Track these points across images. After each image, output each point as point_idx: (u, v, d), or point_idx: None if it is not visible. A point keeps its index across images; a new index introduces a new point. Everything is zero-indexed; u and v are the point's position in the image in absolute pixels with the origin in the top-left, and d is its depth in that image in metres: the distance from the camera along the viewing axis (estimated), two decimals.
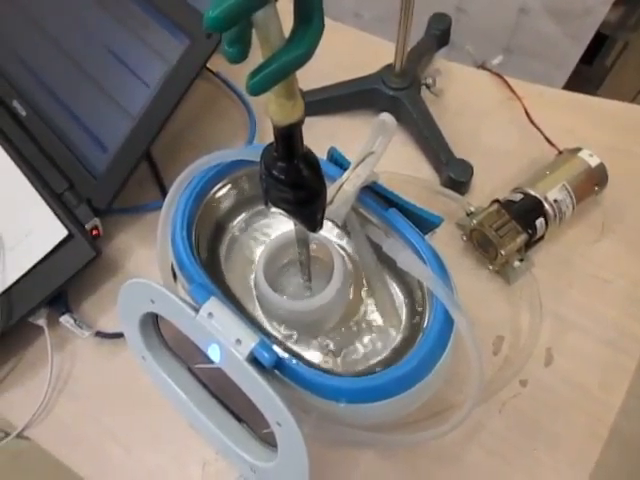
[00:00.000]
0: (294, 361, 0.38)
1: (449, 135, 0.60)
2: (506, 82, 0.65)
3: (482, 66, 0.68)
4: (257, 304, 0.47)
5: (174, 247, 0.43)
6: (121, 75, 0.56)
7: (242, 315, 0.40)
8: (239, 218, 0.50)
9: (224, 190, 0.48)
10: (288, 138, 0.29)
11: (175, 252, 0.42)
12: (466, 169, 0.57)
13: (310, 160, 0.31)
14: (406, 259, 0.40)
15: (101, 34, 0.57)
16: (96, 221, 0.57)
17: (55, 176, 0.59)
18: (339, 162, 0.44)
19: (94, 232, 0.57)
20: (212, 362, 0.39)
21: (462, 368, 0.47)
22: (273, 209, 0.34)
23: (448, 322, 0.39)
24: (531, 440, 0.48)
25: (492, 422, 0.48)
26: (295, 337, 0.45)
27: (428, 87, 0.61)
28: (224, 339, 0.37)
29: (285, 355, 0.38)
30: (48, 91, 0.60)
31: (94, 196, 0.57)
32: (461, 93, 0.66)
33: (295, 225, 0.40)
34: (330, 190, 0.40)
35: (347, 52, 0.70)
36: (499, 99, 0.65)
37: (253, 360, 0.37)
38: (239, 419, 0.45)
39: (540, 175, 0.54)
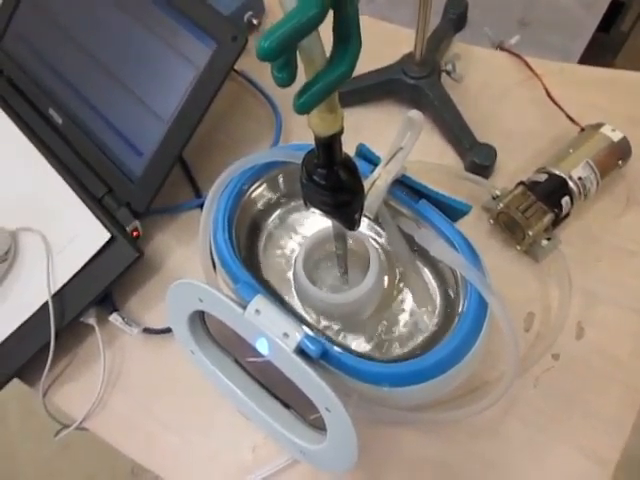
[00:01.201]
0: (339, 350, 0.41)
1: (471, 119, 0.61)
2: (525, 62, 0.66)
3: (500, 46, 0.68)
4: (295, 297, 0.49)
5: (217, 248, 0.45)
6: (152, 81, 0.58)
7: (285, 308, 0.42)
8: (274, 215, 0.52)
9: (260, 190, 0.50)
10: (329, 147, 0.31)
11: (218, 253, 0.45)
12: (489, 153, 0.58)
13: (349, 165, 0.33)
14: (439, 248, 0.42)
15: (131, 42, 0.59)
16: (136, 223, 0.59)
17: (94, 181, 0.61)
18: (368, 157, 0.46)
19: (135, 233, 0.60)
20: (261, 355, 0.42)
21: (495, 346, 0.49)
22: (313, 209, 0.37)
23: (482, 306, 0.41)
24: (566, 410, 0.49)
25: (527, 396, 0.50)
26: (334, 327, 0.48)
27: (448, 73, 0.62)
28: (272, 333, 0.40)
29: (329, 345, 0.40)
30: (83, 99, 0.63)
31: (133, 199, 0.60)
32: (480, 76, 0.67)
33: (333, 223, 0.42)
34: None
35: (364, 42, 0.70)
36: (519, 79, 0.66)
37: (300, 352, 0.40)
38: (286, 405, 0.48)
39: (563, 153, 0.55)
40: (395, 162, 0.42)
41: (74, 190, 0.61)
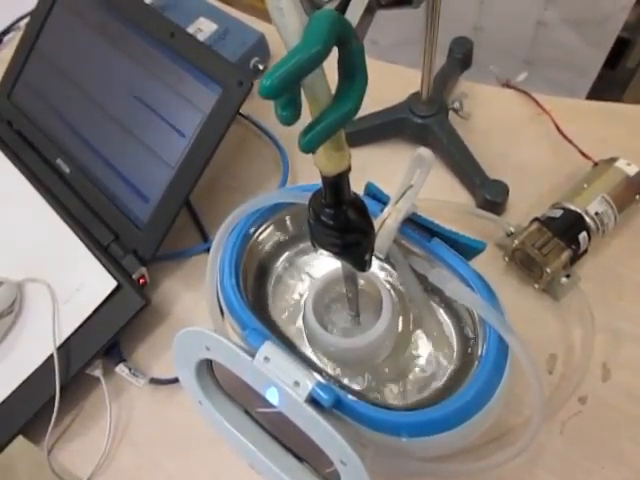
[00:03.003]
0: (352, 398, 0.38)
1: (480, 157, 0.61)
2: (533, 98, 0.65)
3: (507, 84, 0.68)
4: (307, 342, 0.47)
5: (224, 294, 0.44)
6: (158, 127, 0.58)
7: (297, 356, 0.40)
8: (282, 257, 0.51)
9: (267, 232, 0.49)
10: (336, 186, 0.29)
11: (225, 299, 0.43)
12: (501, 189, 0.57)
13: (358, 205, 0.32)
14: (454, 288, 0.40)
15: (137, 89, 0.59)
16: (142, 270, 0.58)
17: (101, 229, 0.61)
18: (377, 196, 0.45)
19: (141, 281, 0.59)
20: (271, 405, 0.40)
21: (518, 389, 0.47)
22: (321, 251, 0.35)
23: (503, 347, 0.39)
24: (597, 459, 0.47)
25: (554, 443, 0.48)
26: (347, 373, 0.46)
27: (456, 111, 0.62)
28: (282, 382, 0.38)
29: (342, 393, 0.38)
30: (89, 147, 0.63)
31: (139, 246, 0.59)
32: (488, 113, 0.66)
33: (342, 264, 0.41)
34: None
35: (370, 83, 0.71)
36: (527, 116, 0.65)
37: (312, 401, 0.38)
38: (300, 459, 0.45)
39: (578, 189, 0.54)
40: (405, 200, 0.41)
41: (80, 238, 0.60)
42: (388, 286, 0.46)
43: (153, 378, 0.56)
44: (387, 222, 0.41)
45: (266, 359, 0.39)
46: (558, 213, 0.53)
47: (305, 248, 0.51)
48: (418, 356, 0.46)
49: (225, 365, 0.42)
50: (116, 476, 0.53)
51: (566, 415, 0.49)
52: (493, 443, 0.47)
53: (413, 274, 0.45)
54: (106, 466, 0.54)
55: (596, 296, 0.53)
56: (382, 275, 0.49)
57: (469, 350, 0.43)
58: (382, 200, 0.45)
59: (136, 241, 0.59)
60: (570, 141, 0.61)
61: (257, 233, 0.48)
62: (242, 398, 0.48)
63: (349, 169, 0.29)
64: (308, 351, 0.48)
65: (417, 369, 0.45)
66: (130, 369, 0.55)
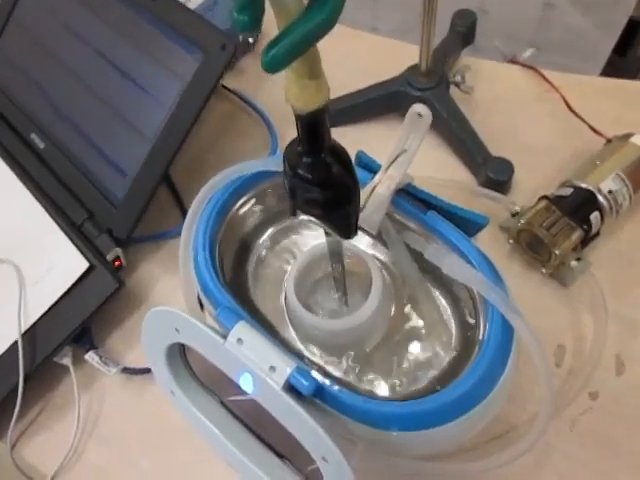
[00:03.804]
0: (336, 387, 0.34)
1: (483, 134, 0.57)
2: (541, 74, 0.61)
3: (512, 60, 0.64)
4: (289, 326, 0.43)
5: (197, 270, 0.39)
6: (136, 97, 0.54)
7: (275, 339, 0.36)
8: (265, 235, 0.46)
9: (248, 205, 0.44)
10: (313, 128, 0.25)
11: (198, 275, 0.39)
12: (506, 167, 0.53)
13: (339, 153, 0.27)
14: (452, 264, 0.36)
15: (115, 57, 0.56)
16: (118, 251, 0.54)
17: (74, 207, 0.57)
18: (369, 166, 0.41)
19: (116, 263, 0.54)
20: (245, 393, 0.36)
21: (523, 381, 0.43)
22: (302, 216, 0.31)
23: (507, 331, 0.34)
24: (610, 460, 0.42)
25: (563, 442, 0.43)
26: (334, 360, 0.41)
27: (457, 85, 0.57)
28: (256, 367, 0.33)
29: (325, 381, 0.34)
30: (65, 121, 0.59)
31: (115, 225, 0.55)
32: (493, 89, 0.62)
33: (327, 236, 0.36)
34: (361, 195, 0.36)
35: (368, 58, 0.67)
36: (535, 92, 0.61)
37: (290, 389, 0.33)
38: (280, 455, 0.41)
39: (589, 166, 0.50)
40: (398, 166, 0.37)
41: (52, 217, 0.56)
42: (379, 264, 0.42)
43: (126, 367, 0.51)
44: (378, 190, 0.36)
45: (239, 341, 0.34)
46: (568, 191, 0.48)
47: (290, 226, 0.47)
48: (412, 343, 0.41)
49: (195, 348, 0.38)
50: (84, 473, 0.49)
51: (576, 412, 0.44)
52: (495, 441, 0.43)
53: (407, 252, 0.40)
54: (73, 462, 0.49)
55: (609, 283, 0.48)
56: (373, 254, 0.44)
57: (469, 336, 0.38)
58: (374, 170, 0.40)
59: (111, 220, 0.55)
60: (580, 117, 0.56)
61: (237, 206, 0.43)
62: (218, 388, 0.43)
63: (327, 106, 0.24)
64: (293, 338, 0.43)
65: (411, 357, 0.41)
66: (101, 357, 0.51)
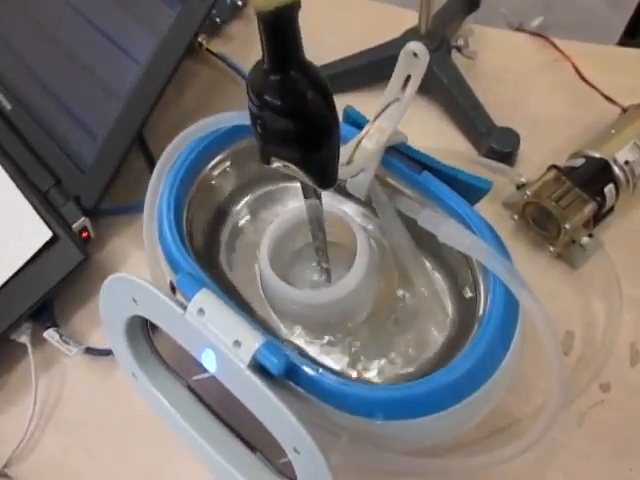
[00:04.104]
0: (312, 367, 0.29)
1: (488, 104, 0.52)
2: (551, 42, 0.56)
3: (520, 29, 0.59)
4: (267, 303, 0.38)
5: (160, 233, 0.35)
6: (109, 53, 0.49)
7: (244, 312, 0.31)
8: (242, 203, 0.42)
9: (223, 166, 0.40)
10: (279, 34, 0.20)
11: (161, 239, 0.34)
12: (511, 138, 0.48)
13: (314, 76, 0.22)
14: (450, 230, 0.31)
15: (85, 9, 0.51)
16: (85, 221, 0.49)
17: (41, 173, 0.52)
18: (357, 123, 0.36)
19: (84, 234, 0.50)
20: (207, 372, 0.31)
21: (528, 370, 0.39)
22: (274, 164, 0.26)
23: (511, 306, 0.30)
24: (623, 458, 0.38)
25: (571, 438, 0.39)
26: (315, 340, 0.37)
27: (459, 50, 0.53)
28: (219, 341, 0.29)
29: (298, 359, 0.29)
30: (33, 79, 0.54)
31: (83, 192, 0.50)
32: (498, 57, 0.57)
33: (305, 197, 0.32)
34: (346, 149, 0.32)
35: (365, 25, 0.62)
36: (544, 61, 0.56)
37: (257, 367, 0.28)
38: (252, 447, 0.36)
39: (604, 136, 0.45)
40: (389, 117, 0.32)
41: (16, 183, 0.51)
42: (366, 233, 0.37)
43: (90, 348, 0.47)
44: (365, 145, 0.32)
45: (201, 312, 0.30)
46: (579, 162, 0.44)
47: (271, 193, 0.42)
48: (403, 321, 0.36)
49: (154, 321, 0.33)
50: (39, 463, 0.44)
51: (585, 405, 0.40)
52: (495, 436, 0.38)
53: (399, 220, 0.36)
54: (28, 450, 0.45)
55: (623, 265, 0.43)
56: (361, 223, 0.39)
57: (467, 313, 0.33)
58: (363, 126, 0.35)
59: (79, 187, 0.50)
60: (593, 86, 0.52)
61: (209, 166, 0.39)
62: (186, 371, 0.39)
63: (298, 4, 0.20)
64: (269, 314, 0.39)
65: (402, 337, 0.36)
66: (61, 335, 0.46)
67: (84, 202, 0.50)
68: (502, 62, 0.57)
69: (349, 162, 0.31)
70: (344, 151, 0.31)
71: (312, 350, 0.37)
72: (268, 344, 0.28)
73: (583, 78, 0.53)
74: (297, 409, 0.28)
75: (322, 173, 0.25)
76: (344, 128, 0.36)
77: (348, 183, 0.35)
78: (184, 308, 0.30)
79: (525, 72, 0.56)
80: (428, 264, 0.37)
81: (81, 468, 0.43)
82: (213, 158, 0.38)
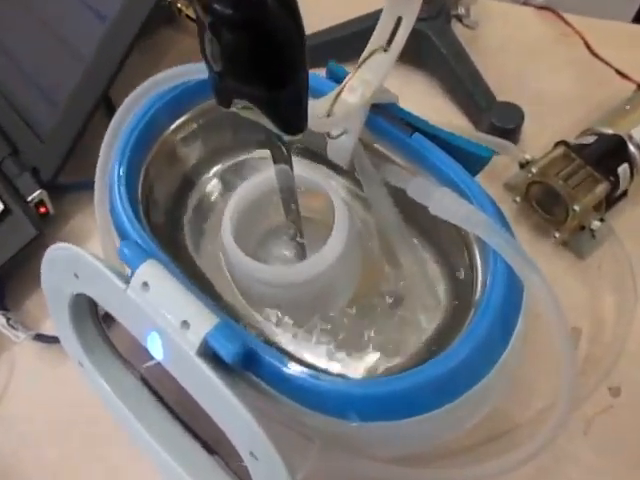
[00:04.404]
0: (276, 357, 0.25)
1: (490, 80, 0.47)
2: (560, 16, 0.52)
3: (526, 3, 0.55)
4: (233, 285, 0.33)
5: (110, 198, 0.30)
6: (72, 9, 0.45)
7: (201, 291, 0.27)
8: (213, 172, 0.37)
9: (189, 129, 0.35)
10: None
11: (110, 198, 0.30)
12: (514, 113, 0.44)
13: None
14: (443, 199, 0.26)
15: None
16: (42, 194, 0.45)
17: None
18: (341, 80, 0.31)
19: (41, 209, 0.45)
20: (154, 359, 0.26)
21: (529, 371, 0.34)
22: (234, 106, 0.22)
23: (514, 289, 0.25)
24: (633, 470, 0.34)
25: (576, 447, 0.34)
26: (288, 327, 0.32)
27: (460, 19, 0.48)
28: (165, 322, 0.24)
29: (262, 347, 0.25)
30: None
31: (41, 163, 0.45)
32: (502, 31, 0.53)
33: (274, 161, 0.27)
34: (325, 100, 0.27)
35: None
36: (551, 36, 0.52)
37: (209, 354, 0.24)
38: (210, 450, 0.32)
39: (618, 112, 0.41)
40: (375, 68, 0.27)
41: None
42: (345, 203, 0.32)
43: (40, 334, 0.42)
44: (347, 99, 0.27)
45: (145, 286, 0.25)
46: (591, 139, 0.39)
47: (245, 162, 0.37)
48: (390, 306, 0.32)
49: (94, 298, 0.28)
50: None
51: (592, 410, 0.35)
52: (491, 444, 0.34)
53: (386, 191, 0.31)
54: None
55: (636, 255, 0.39)
56: (343, 197, 0.35)
57: (461, 297, 0.29)
58: None
59: (37, 157, 0.45)
60: (605, 62, 0.47)
61: (173, 126, 0.34)
62: (139, 360, 0.34)
63: None
64: (238, 301, 0.34)
65: (388, 325, 0.31)
66: (9, 320, 0.41)
67: (43, 174, 0.45)
68: (506, 36, 0.52)
69: (328, 115, 0.26)
70: (322, 103, 0.27)
71: (284, 339, 0.32)
72: (222, 326, 0.23)
73: (594, 53, 0.48)
74: (259, 406, 0.23)
75: (288, 113, 0.20)
76: (326, 84, 0.31)
77: (329, 148, 0.31)
78: (127, 283, 0.26)
79: (531, 47, 0.52)
80: (418, 243, 0.32)
81: (24, 470, 0.38)
82: (177, 117, 0.34)
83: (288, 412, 0.26)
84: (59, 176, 0.45)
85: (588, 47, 0.49)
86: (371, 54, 0.27)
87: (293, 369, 0.24)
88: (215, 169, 0.37)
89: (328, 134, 0.29)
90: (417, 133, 0.29)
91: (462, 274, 0.29)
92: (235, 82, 0.20)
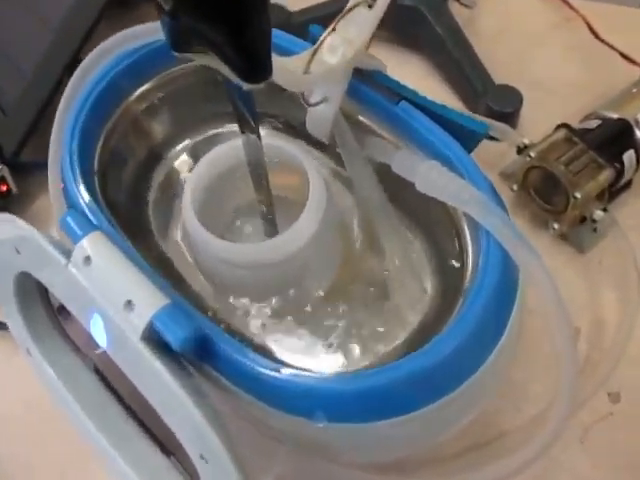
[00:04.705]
0: (234, 346, 0.21)
1: (487, 64, 0.45)
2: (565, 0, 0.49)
3: None
4: (199, 270, 0.30)
5: (62, 166, 0.27)
6: None
7: (164, 277, 0.24)
8: (182, 145, 0.33)
9: (153, 97, 0.31)
10: None
11: (62, 170, 0.27)
12: (512, 97, 0.41)
13: None
14: (430, 173, 0.23)
15: None
16: (3, 170, 0.41)
17: None
18: None
19: (2, 187, 0.42)
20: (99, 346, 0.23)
21: (518, 373, 0.31)
22: (189, 52, 0.18)
23: (508, 277, 0.22)
24: None
25: (571, 457, 0.31)
26: (257, 317, 0.29)
27: None
28: (107, 301, 0.21)
29: (219, 334, 0.21)
30: None
31: (3, 137, 0.42)
32: (502, 13, 0.50)
33: (241, 130, 0.24)
34: (300, 57, 0.24)
35: None
36: (553, 21, 0.49)
37: (156, 340, 0.21)
38: (167, 451, 0.28)
39: (624, 96, 0.38)
40: (358, 25, 0.24)
41: None
42: (321, 176, 0.28)
43: None
44: (325, 56, 0.24)
45: (87, 261, 0.22)
46: (594, 123, 0.36)
47: (217, 137, 0.34)
48: (371, 296, 0.29)
49: (35, 275, 0.25)
50: None
51: (590, 418, 0.32)
52: (478, 451, 0.30)
53: (370, 168, 0.28)
54: None
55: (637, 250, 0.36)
56: (325, 175, 0.31)
57: (450, 284, 0.26)
58: None
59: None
60: (610, 45, 0.44)
61: (137, 93, 0.31)
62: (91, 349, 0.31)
63: None
64: (205, 290, 0.30)
65: (368, 317, 0.28)
66: None
67: (5, 149, 0.42)
68: (505, 18, 0.50)
69: (305, 72, 0.23)
70: (298, 58, 0.24)
71: (253, 330, 0.29)
72: (171, 308, 0.20)
73: (598, 37, 0.46)
74: (216, 402, 0.20)
75: (249, 58, 0.17)
76: (305, 46, 0.28)
77: (308, 119, 0.28)
78: (69, 258, 0.22)
79: (531, 30, 0.49)
80: (403, 226, 0.29)
81: None
82: (140, 84, 0.30)
83: (250, 411, 0.23)
84: (22, 152, 0.42)
85: (592, 31, 0.46)
86: (353, 7, 0.24)
87: (252, 360, 0.21)
88: (184, 143, 0.33)
89: (306, 101, 0.26)
90: (404, 101, 0.26)
91: (451, 260, 0.26)
92: (188, 20, 0.17)
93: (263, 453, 0.28)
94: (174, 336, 0.20)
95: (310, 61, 0.23)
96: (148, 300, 0.20)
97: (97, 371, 0.31)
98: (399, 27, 0.46)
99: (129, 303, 0.20)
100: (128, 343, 0.21)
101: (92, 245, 0.22)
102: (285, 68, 0.20)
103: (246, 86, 0.18)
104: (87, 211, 0.24)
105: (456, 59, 0.44)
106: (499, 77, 0.44)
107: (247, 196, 0.29)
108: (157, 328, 0.20)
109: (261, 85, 0.18)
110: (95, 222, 0.24)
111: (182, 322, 0.20)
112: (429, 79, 0.46)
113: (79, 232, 0.22)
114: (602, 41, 0.45)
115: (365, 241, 0.30)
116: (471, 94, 0.43)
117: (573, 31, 0.48)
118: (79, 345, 0.31)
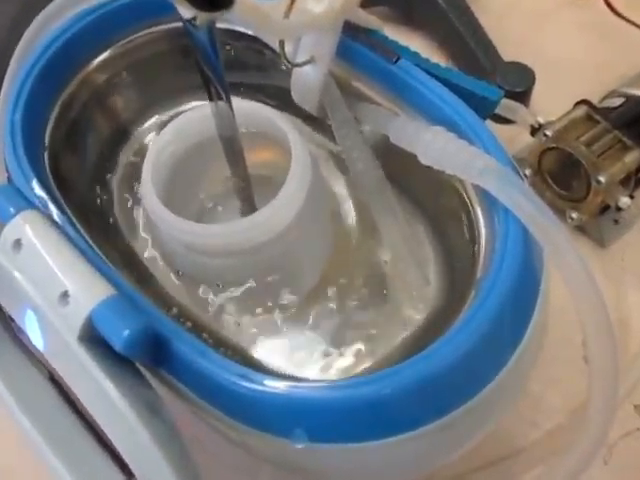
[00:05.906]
0: (196, 347, 0.18)
1: (495, 42, 0.41)
2: None
3: None
4: (162, 262, 0.26)
5: (4, 140, 0.23)
6: None
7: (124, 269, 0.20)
8: (151, 121, 0.30)
9: (118, 67, 0.27)
10: None
11: (5, 145, 0.23)
12: (523, 75, 0.37)
13: None
14: (436, 141, 0.19)
15: None
16: None
17: None
18: None
19: None
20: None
21: (535, 382, 0.28)
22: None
23: (531, 265, 0.18)
24: None
25: (595, 477, 0.27)
26: (230, 316, 0.25)
27: None
28: (39, 294, 0.17)
29: (177, 333, 0.18)
30: None
31: None
32: None
33: (209, 98, 0.20)
34: (275, 7, 0.20)
35: None
36: None
37: (96, 339, 0.17)
38: (128, 471, 0.24)
39: None
40: None
41: None
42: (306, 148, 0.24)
43: None
44: (308, 6, 0.20)
45: (17, 246, 0.18)
46: (618, 102, 0.33)
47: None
48: (367, 291, 0.25)
49: None
50: None
51: (615, 433, 0.28)
52: (488, 471, 0.27)
53: (363, 140, 0.24)
54: None
55: None
56: (319, 155, 0.28)
57: (459, 275, 0.22)
58: None
59: None
60: (630, 21, 0.41)
61: (96, 62, 0.27)
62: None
63: None
64: (173, 283, 0.26)
65: (364, 315, 0.24)
66: None
67: None
68: None
69: (284, 17, 0.19)
70: (274, 8, 0.20)
71: (225, 330, 0.25)
72: (115, 301, 0.16)
73: (617, 13, 0.42)
74: (159, 415, 0.16)
75: None
76: None
77: (293, 85, 0.24)
78: None
79: (543, 8, 0.45)
80: (402, 208, 0.25)
81: None
82: (100, 51, 0.26)
83: (218, 427, 0.19)
84: None
85: (609, 6, 0.42)
86: None
87: (214, 364, 0.17)
88: (153, 120, 0.29)
89: (290, 60, 0.22)
90: (403, 60, 0.22)
91: (460, 247, 0.22)
92: None
93: (246, 472, 0.25)
94: (115, 334, 0.16)
95: (290, 9, 0.20)
96: (87, 292, 0.17)
97: (52, 379, 0.27)
98: (398, 1, 0.43)
99: (64, 295, 0.17)
100: (64, 344, 0.17)
101: (23, 227, 0.18)
102: (258, 9, 0.16)
103: (201, 17, 0.14)
104: (26, 188, 0.20)
105: (461, 35, 0.40)
106: (509, 55, 0.40)
107: (222, 174, 0.25)
108: (97, 323, 0.16)
109: (218, 14, 0.14)
110: (35, 202, 0.20)
111: (127, 318, 0.16)
112: (432, 56, 0.43)
113: (11, 210, 0.18)
114: (621, 16, 0.42)
115: (361, 228, 0.26)
116: (478, 72, 0.39)
117: (588, 6, 0.44)
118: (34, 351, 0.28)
